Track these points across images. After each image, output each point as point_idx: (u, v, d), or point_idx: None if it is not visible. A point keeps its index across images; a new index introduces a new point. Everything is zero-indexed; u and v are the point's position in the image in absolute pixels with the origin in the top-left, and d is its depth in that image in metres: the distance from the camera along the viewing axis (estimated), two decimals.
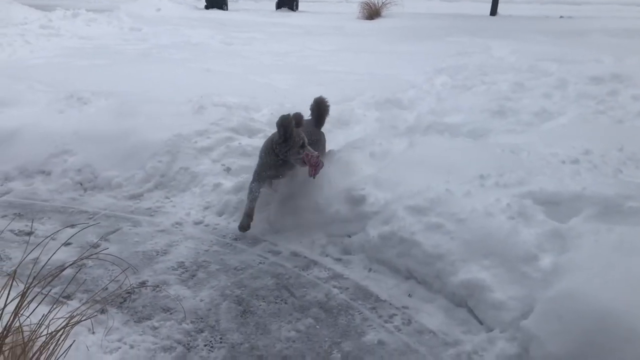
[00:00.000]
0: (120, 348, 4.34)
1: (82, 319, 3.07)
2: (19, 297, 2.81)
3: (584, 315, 3.81)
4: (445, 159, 6.32)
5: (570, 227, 4.81)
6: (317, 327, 4.68)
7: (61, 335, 2.93)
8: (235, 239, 6.20)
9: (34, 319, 3.03)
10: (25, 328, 3.00)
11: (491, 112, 8.99)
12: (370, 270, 5.60)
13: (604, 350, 3.61)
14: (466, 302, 4.75)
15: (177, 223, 6.63)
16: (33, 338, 2.84)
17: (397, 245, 5.40)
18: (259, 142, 7.94)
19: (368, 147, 7.03)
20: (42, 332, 2.95)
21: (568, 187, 5.35)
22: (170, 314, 4.85)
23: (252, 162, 7.39)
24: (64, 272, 4.79)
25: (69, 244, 5.72)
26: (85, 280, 5.26)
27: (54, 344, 2.92)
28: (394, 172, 6.24)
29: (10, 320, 2.77)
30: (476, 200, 5.35)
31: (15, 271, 3.00)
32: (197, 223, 6.60)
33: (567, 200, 5.22)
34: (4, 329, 2.74)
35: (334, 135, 8.53)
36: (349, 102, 9.86)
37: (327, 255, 5.98)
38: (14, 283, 2.85)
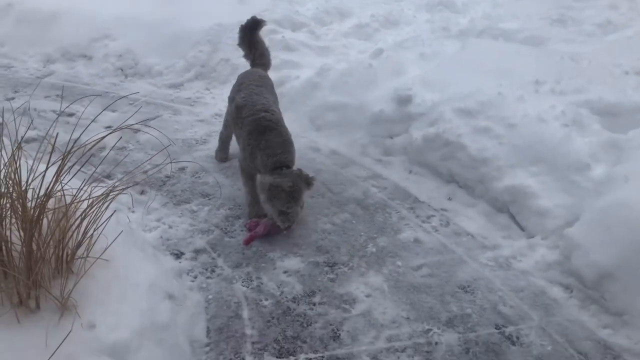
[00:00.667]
0: (159, 227, 4.40)
1: (122, 190, 3.04)
2: (60, 162, 2.78)
3: (635, 227, 3.64)
4: (498, 62, 5.97)
5: (629, 139, 4.54)
6: (353, 222, 4.64)
7: (102, 203, 2.93)
8: None
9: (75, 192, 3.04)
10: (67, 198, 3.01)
11: (550, 20, 8.45)
12: (410, 172, 5.47)
13: None
14: (508, 208, 4.61)
15: (216, 114, 6.54)
16: (75, 202, 2.84)
17: (441, 147, 5.21)
18: (303, 36, 7.68)
19: (417, 48, 6.72)
20: (82, 200, 2.95)
21: (630, 98, 5.03)
22: (209, 199, 4.86)
23: (295, 57, 7.20)
24: (104, 154, 4.84)
25: (109, 127, 5.72)
26: (125, 162, 5.29)
27: (95, 211, 2.93)
28: (443, 74, 5.95)
29: (51, 185, 2.76)
30: (529, 106, 5.07)
31: (55, 139, 2.95)
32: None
33: (627, 111, 4.91)
34: (46, 191, 2.73)
35: (382, 35, 8.18)
36: (398, 1, 9.37)
37: (367, 156, 5.85)
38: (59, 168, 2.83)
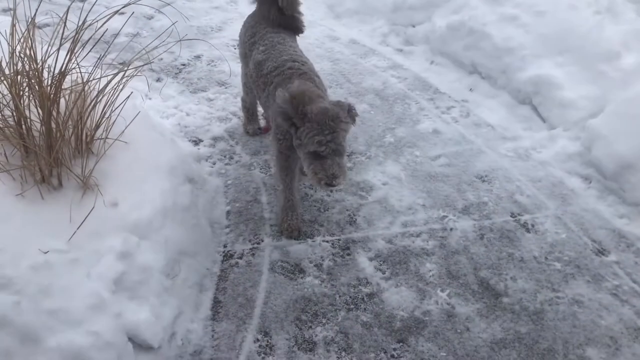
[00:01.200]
0: (176, 114, 4.38)
1: (138, 70, 2.98)
2: (72, 40, 2.72)
3: None
4: None
5: None
6: (372, 112, 4.58)
7: (118, 85, 2.89)
8: None
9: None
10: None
11: None
12: (432, 62, 5.32)
13: None
14: (531, 100, 4.50)
15: (232, 1, 6.32)
16: (90, 80, 2.80)
17: (465, 36, 5.03)
18: None
19: None
20: (98, 78, 2.91)
21: None
22: (225, 88, 4.80)
23: None
24: (118, 41, 4.74)
25: (123, 13, 5.55)
26: (141, 50, 5.18)
27: (111, 92, 2.90)
28: None
29: (66, 62, 2.71)
30: None
31: (65, 20, 2.86)
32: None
33: None
34: (61, 69, 2.69)
35: None
36: None
37: (387, 45, 5.69)
38: (71, 46, 2.75)
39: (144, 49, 3.29)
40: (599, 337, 2.80)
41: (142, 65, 3.11)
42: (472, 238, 3.37)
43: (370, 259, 3.20)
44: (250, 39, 3.58)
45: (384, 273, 3.12)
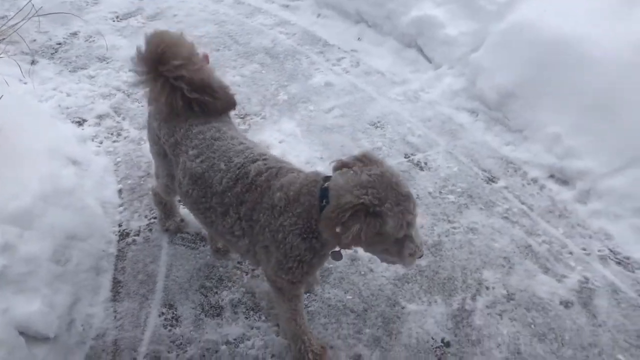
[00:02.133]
0: (55, 96, 4.12)
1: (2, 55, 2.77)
2: None
3: (535, 44, 3.71)
4: None
5: None
6: (263, 72, 4.50)
7: None
8: None
9: None
10: None
11: None
12: (319, 15, 5.29)
13: (552, 77, 3.58)
14: (416, 42, 4.58)
15: None
16: None
17: None
18: None
19: None
20: None
21: None
22: (107, 63, 4.56)
23: None
24: None
25: None
26: (10, 33, 4.82)
27: None
28: None
29: None
30: None
31: None
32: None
33: None
34: None
35: None
36: None
37: (273, 2, 5.60)
38: None
39: (9, 27, 3.04)
40: (493, 260, 2.95)
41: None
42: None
43: None
44: (169, 137, 2.41)
45: None
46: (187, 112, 2.38)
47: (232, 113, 2.56)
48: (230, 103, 2.49)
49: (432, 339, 2.58)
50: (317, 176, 2.09)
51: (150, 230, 3.12)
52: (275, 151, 3.66)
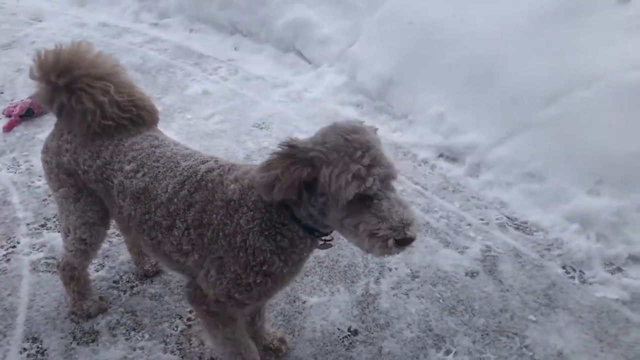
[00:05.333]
0: None
1: None
2: None
3: (408, 29, 3.71)
4: None
5: None
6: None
7: None
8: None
9: None
10: None
11: None
12: (191, 30, 5.08)
13: (427, 58, 3.59)
14: (294, 46, 4.48)
15: None
16: None
17: None
18: None
19: None
20: None
21: None
22: None
23: None
24: None
25: None
26: None
27: None
28: None
29: None
30: None
31: None
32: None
33: None
34: None
35: None
36: None
37: (141, 22, 5.32)
38: None
39: None
40: None
41: None
42: None
43: None
44: (94, 161, 2.00)
45: None
46: (110, 129, 1.98)
47: None
48: (152, 114, 2.10)
49: (338, 329, 2.36)
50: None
51: (8, 260, 2.67)
52: None
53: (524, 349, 2.30)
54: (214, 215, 1.71)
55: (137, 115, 2.00)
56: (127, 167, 1.91)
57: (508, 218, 2.96)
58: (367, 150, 1.45)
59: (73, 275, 2.31)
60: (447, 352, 2.27)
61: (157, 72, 4.40)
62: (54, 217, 2.94)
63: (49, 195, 3.08)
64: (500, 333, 2.36)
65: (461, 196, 3.11)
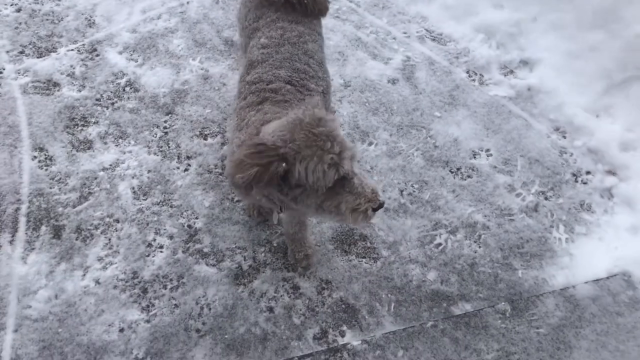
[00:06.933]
0: None
1: None
2: None
3: None
4: None
5: None
6: None
7: None
8: None
9: None
10: None
11: None
12: None
13: None
14: None
15: None
16: None
17: None
18: None
19: None
20: None
21: None
22: None
23: None
24: None
25: None
26: None
27: None
28: None
29: None
30: None
31: None
32: None
33: None
34: None
35: None
36: None
37: None
38: None
39: None
40: (330, 55, 3.29)
41: None
42: (208, 5, 3.55)
43: (120, 52, 3.28)
44: (253, 22, 2.39)
45: (136, 61, 3.24)
46: (276, 5, 2.34)
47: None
48: (323, 7, 2.43)
49: None
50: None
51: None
52: None
53: (428, 138, 3.00)
54: (239, 119, 2.02)
55: (298, 2, 2.32)
56: (262, 40, 2.25)
57: (427, 31, 3.48)
58: (334, 139, 1.67)
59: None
60: (370, 144, 2.95)
61: None
62: (29, 44, 3.30)
63: (20, 23, 3.39)
64: (412, 127, 3.03)
65: (389, 12, 3.58)
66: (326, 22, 3.45)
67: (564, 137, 3.05)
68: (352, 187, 1.73)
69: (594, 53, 3.16)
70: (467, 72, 3.30)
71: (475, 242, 2.64)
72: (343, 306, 2.42)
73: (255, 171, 1.62)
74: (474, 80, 3.27)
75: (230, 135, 2.10)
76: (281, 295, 2.43)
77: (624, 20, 3.07)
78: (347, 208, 1.74)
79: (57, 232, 2.56)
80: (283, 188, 1.74)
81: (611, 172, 2.92)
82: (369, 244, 2.60)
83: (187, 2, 3.55)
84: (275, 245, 2.58)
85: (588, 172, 2.92)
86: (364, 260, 2.55)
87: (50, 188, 2.69)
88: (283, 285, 2.46)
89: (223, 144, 2.89)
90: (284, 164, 1.65)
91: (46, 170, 2.76)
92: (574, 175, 2.91)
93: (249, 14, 2.44)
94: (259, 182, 1.64)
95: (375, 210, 1.77)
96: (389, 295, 2.46)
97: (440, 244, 2.62)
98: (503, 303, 2.44)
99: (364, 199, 1.74)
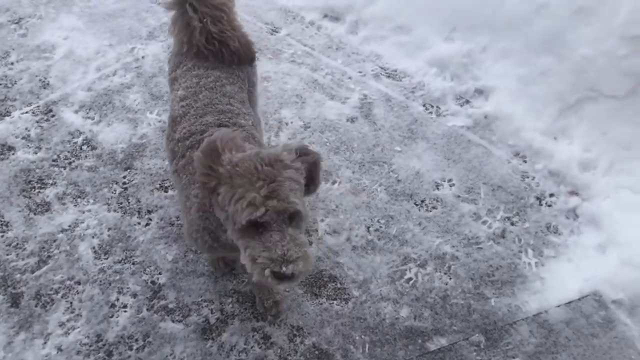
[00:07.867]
0: None
1: None
2: None
3: None
4: None
5: None
6: None
7: None
8: None
9: None
10: None
11: None
12: None
13: None
14: None
15: None
16: None
17: None
18: None
19: None
20: None
21: None
22: None
23: None
24: None
25: None
26: None
27: None
28: None
29: None
30: None
31: None
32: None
33: None
34: None
35: None
36: None
37: None
38: None
39: None
40: (288, 99, 3.33)
41: None
42: (163, 58, 3.56)
43: (76, 111, 3.25)
44: (172, 72, 2.38)
45: (93, 119, 3.21)
46: (199, 52, 2.28)
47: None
48: (248, 58, 2.37)
49: None
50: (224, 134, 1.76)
51: None
52: (62, 49, 3.62)
53: (390, 172, 3.00)
54: (185, 176, 1.99)
55: (218, 51, 2.26)
56: (180, 92, 2.21)
57: (381, 68, 3.53)
58: (270, 182, 1.56)
59: None
60: (333, 182, 2.94)
61: None
62: None
63: None
64: (373, 163, 3.03)
65: (343, 53, 3.62)
66: (282, 66, 3.52)
67: (525, 162, 3.07)
68: (266, 239, 1.59)
69: (545, 77, 3.23)
70: (424, 105, 3.34)
71: (445, 273, 2.61)
72: (316, 352, 2.35)
73: (201, 170, 1.64)
74: (431, 112, 3.31)
75: (180, 193, 2.05)
76: (252, 347, 2.36)
77: (570, 44, 3.15)
78: (249, 255, 1.62)
79: (15, 300, 2.46)
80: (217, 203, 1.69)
81: (574, 193, 2.94)
82: (339, 285, 2.55)
83: (142, 57, 3.55)
84: (242, 294, 2.52)
85: (552, 195, 2.93)
86: (335, 302, 2.50)
87: (7, 255, 2.61)
88: (253, 336, 2.39)
89: None
90: (215, 182, 1.63)
91: (2, 236, 2.68)
92: (537, 198, 2.92)
93: (170, 62, 2.45)
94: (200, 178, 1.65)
95: (275, 275, 1.57)
96: (363, 336, 2.40)
97: (410, 279, 2.59)
98: (477, 335, 2.40)
99: (266, 255, 1.57)
